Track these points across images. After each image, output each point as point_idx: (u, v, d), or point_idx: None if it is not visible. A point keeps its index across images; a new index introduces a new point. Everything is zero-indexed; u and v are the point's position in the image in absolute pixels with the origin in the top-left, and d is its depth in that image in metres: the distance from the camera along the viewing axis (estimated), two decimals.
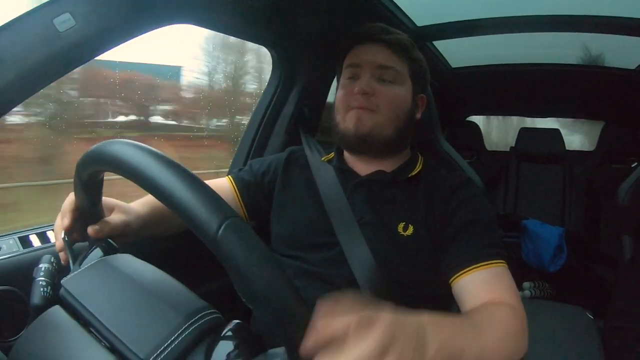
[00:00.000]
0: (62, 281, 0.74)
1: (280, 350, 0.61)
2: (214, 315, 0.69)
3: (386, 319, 0.58)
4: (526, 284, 2.87)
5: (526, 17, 2.01)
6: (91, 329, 0.66)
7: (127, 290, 0.74)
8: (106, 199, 0.98)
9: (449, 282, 1.08)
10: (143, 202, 1.13)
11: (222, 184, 1.35)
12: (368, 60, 1.23)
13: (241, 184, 1.35)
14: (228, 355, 0.61)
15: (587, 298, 2.60)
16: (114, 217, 0.97)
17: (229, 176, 1.38)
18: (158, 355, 0.61)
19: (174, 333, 0.63)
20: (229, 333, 0.65)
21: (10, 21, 0.89)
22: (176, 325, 0.64)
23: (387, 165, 1.27)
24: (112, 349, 0.63)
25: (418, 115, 1.31)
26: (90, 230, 0.88)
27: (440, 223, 1.14)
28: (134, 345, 0.62)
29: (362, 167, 1.28)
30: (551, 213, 3.30)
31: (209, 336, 0.65)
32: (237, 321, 0.67)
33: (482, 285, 1.02)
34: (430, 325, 0.69)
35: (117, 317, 0.67)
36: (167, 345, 0.62)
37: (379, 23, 1.26)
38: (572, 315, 2.07)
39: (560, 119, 4.16)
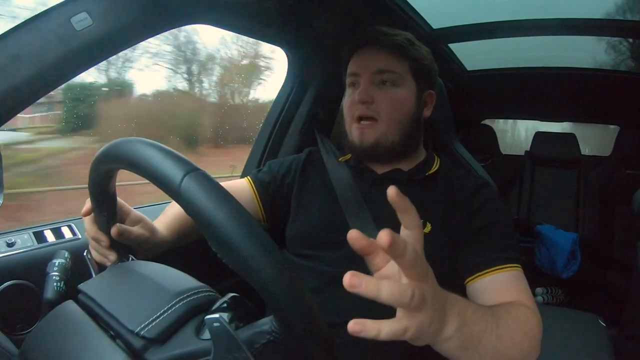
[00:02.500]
0: (79, 286, 0.75)
1: (269, 318, 0.61)
2: (208, 293, 0.70)
3: (432, 278, 0.60)
4: (539, 290, 2.85)
5: (542, 21, 2.00)
6: (99, 321, 0.67)
7: (133, 282, 0.76)
8: (133, 212, 0.99)
9: (465, 283, 1.08)
10: (169, 226, 1.13)
11: (240, 185, 1.35)
12: (365, 67, 1.22)
13: (260, 185, 1.35)
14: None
15: (600, 305, 2.58)
16: (137, 229, 0.97)
17: (248, 177, 1.38)
18: (146, 326, 0.62)
19: (163, 307, 0.65)
20: (224, 305, 0.66)
21: (28, 19, 0.90)
22: (167, 301, 0.66)
23: (404, 165, 1.27)
24: (116, 335, 0.65)
25: (427, 113, 1.30)
26: (114, 229, 0.89)
27: (459, 223, 1.14)
28: (126, 319, 0.64)
29: (379, 166, 1.28)
30: (565, 218, 3.27)
31: (203, 311, 0.66)
32: (233, 294, 0.68)
33: (500, 287, 1.02)
34: (456, 302, 0.70)
35: (118, 301, 0.69)
36: (155, 318, 0.63)
37: (382, 26, 1.25)
38: (584, 322, 2.05)
39: (568, 125, 4.12)
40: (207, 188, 0.57)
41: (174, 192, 0.58)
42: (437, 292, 0.63)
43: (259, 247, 0.54)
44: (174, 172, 0.58)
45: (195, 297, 0.68)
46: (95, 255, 0.93)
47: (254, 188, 1.34)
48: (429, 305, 0.59)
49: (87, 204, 0.91)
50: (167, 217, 1.15)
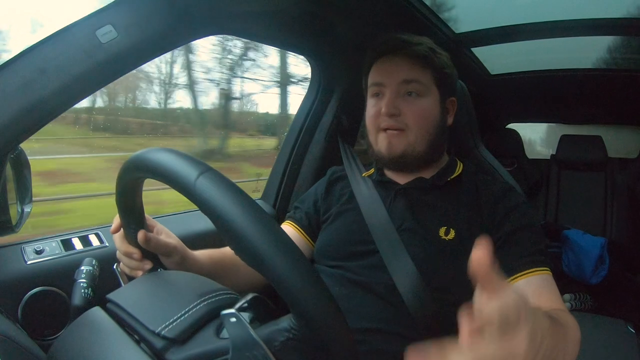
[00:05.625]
0: (107, 296, 0.76)
1: (288, 316, 0.61)
2: (229, 295, 0.71)
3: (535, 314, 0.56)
4: (567, 296, 2.80)
5: (566, 22, 1.97)
6: (125, 326, 0.68)
7: (157, 287, 0.78)
8: (159, 225, 1.01)
9: None
10: (207, 253, 1.15)
11: (286, 232, 1.35)
12: (390, 77, 1.22)
13: (300, 223, 1.37)
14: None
15: (630, 311, 2.53)
16: (164, 238, 0.99)
17: (287, 221, 1.40)
18: (166, 326, 0.64)
19: (184, 308, 0.66)
20: (245, 305, 0.66)
21: (54, 33, 0.92)
22: (188, 302, 0.67)
23: (427, 172, 1.27)
24: (140, 339, 0.66)
25: (450, 120, 1.30)
26: (140, 234, 0.91)
27: (487, 228, 1.13)
28: (148, 321, 0.65)
29: (402, 177, 1.29)
30: (593, 222, 3.20)
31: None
32: (254, 294, 0.68)
33: (533, 291, 1.01)
34: (547, 319, 0.65)
35: (141, 305, 0.71)
36: (176, 319, 0.65)
37: (405, 32, 1.25)
38: (614, 328, 2.02)
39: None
40: (220, 185, 0.59)
41: (189, 191, 0.60)
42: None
43: (272, 239, 0.55)
44: (188, 172, 0.60)
45: (217, 298, 0.69)
46: (126, 269, 0.95)
47: (298, 228, 1.37)
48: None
49: (116, 221, 0.94)
50: (213, 250, 1.18)
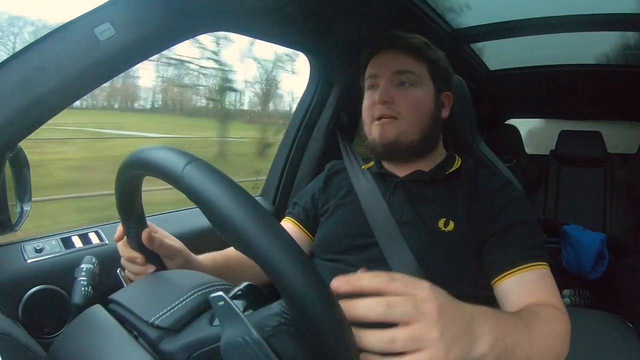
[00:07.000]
0: (109, 297, 0.76)
1: (279, 301, 0.62)
2: (223, 286, 0.71)
3: (436, 292, 0.61)
4: (566, 292, 2.80)
5: (566, 17, 1.96)
6: (125, 324, 0.68)
7: (156, 283, 0.79)
8: (161, 230, 1.00)
9: (492, 284, 1.07)
10: (211, 256, 1.16)
11: (286, 228, 1.35)
12: (384, 68, 1.24)
13: (298, 218, 1.39)
14: None
15: (629, 306, 2.53)
16: (167, 239, 0.99)
17: (287, 217, 1.41)
18: (160, 316, 0.64)
19: (178, 299, 0.67)
20: (239, 293, 0.67)
21: (53, 30, 0.92)
22: (182, 293, 0.68)
23: (425, 165, 1.27)
24: (138, 333, 0.66)
25: (445, 114, 1.31)
26: (144, 234, 0.91)
27: (484, 221, 1.14)
28: (142, 312, 0.66)
29: (401, 170, 1.29)
30: (592, 218, 3.19)
31: None
32: (247, 283, 0.69)
33: (528, 286, 1.02)
34: (486, 318, 0.69)
35: (138, 299, 0.72)
36: (169, 309, 0.65)
37: (403, 29, 1.28)
38: (612, 323, 2.02)
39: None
40: (207, 173, 0.58)
41: (177, 181, 0.59)
42: (454, 316, 0.62)
43: (258, 222, 0.55)
44: (175, 162, 0.60)
45: (211, 289, 0.70)
46: (131, 275, 0.96)
47: (297, 223, 1.38)
48: (436, 338, 0.58)
49: (119, 230, 0.94)
50: (216, 252, 1.19)
